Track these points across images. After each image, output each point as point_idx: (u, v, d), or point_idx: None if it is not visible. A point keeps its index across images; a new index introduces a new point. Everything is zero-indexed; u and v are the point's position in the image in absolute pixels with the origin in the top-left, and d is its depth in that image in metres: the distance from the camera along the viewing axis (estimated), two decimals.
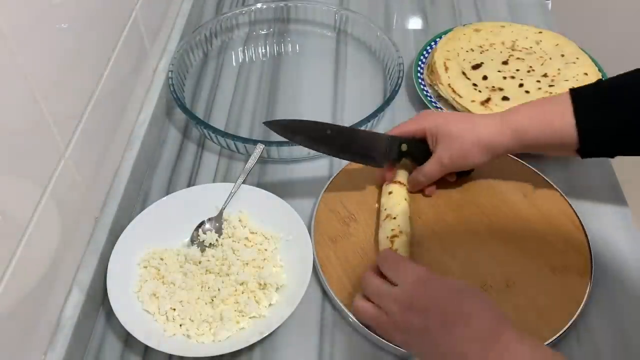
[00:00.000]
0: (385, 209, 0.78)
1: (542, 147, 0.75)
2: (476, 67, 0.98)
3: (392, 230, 0.74)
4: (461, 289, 0.60)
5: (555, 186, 0.83)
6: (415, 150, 0.80)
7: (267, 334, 0.67)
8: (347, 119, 0.94)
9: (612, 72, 1.02)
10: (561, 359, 0.54)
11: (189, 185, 0.86)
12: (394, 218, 0.76)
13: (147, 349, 0.68)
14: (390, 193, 0.79)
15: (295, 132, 0.77)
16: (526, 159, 0.86)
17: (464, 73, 0.96)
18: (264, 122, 0.79)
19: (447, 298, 0.59)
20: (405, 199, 0.79)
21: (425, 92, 0.96)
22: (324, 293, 0.73)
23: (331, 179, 0.84)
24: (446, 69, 0.97)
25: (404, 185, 0.80)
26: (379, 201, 0.81)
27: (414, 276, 0.62)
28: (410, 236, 0.75)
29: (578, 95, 0.72)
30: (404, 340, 0.62)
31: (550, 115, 0.72)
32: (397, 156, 0.80)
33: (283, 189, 0.84)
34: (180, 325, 0.69)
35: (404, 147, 0.79)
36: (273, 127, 0.79)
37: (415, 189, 0.81)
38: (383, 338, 0.66)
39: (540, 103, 0.75)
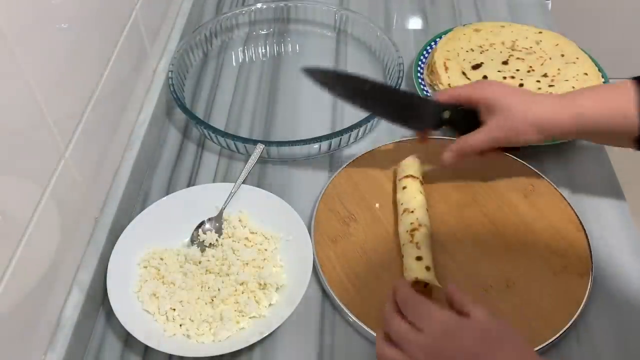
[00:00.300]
0: (402, 204, 0.78)
1: (599, 134, 0.74)
2: (476, 67, 0.98)
3: (412, 224, 0.75)
4: (490, 335, 0.57)
5: (555, 186, 0.83)
6: (458, 118, 0.78)
7: (267, 334, 0.67)
8: (347, 119, 0.94)
9: (612, 72, 1.02)
10: None
11: (189, 185, 0.86)
12: (412, 212, 0.76)
13: (147, 349, 0.68)
14: (404, 188, 0.80)
15: (334, 83, 0.77)
16: (526, 159, 0.86)
17: (464, 73, 0.96)
18: (303, 69, 0.80)
19: (474, 347, 0.56)
20: (421, 192, 0.79)
21: (425, 92, 0.96)
22: (324, 293, 0.73)
23: (331, 179, 0.84)
24: (446, 69, 0.97)
25: (417, 177, 0.81)
26: (380, 200, 0.81)
27: (439, 324, 0.58)
28: (430, 228, 0.76)
29: None
30: None
31: (614, 102, 0.71)
32: (438, 123, 0.78)
33: (283, 189, 0.84)
34: (180, 325, 0.69)
35: (446, 114, 0.78)
36: (312, 75, 0.79)
37: (456, 159, 0.78)
38: None
39: (604, 89, 0.75)
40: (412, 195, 0.78)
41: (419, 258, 0.71)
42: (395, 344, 0.59)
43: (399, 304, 0.61)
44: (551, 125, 0.73)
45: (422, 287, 0.71)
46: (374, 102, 0.78)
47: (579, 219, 0.79)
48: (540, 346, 0.67)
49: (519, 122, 0.73)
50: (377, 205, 0.82)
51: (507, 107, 0.73)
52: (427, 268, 0.70)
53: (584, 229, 0.78)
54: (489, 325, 0.57)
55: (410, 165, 0.82)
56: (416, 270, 0.70)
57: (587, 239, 0.77)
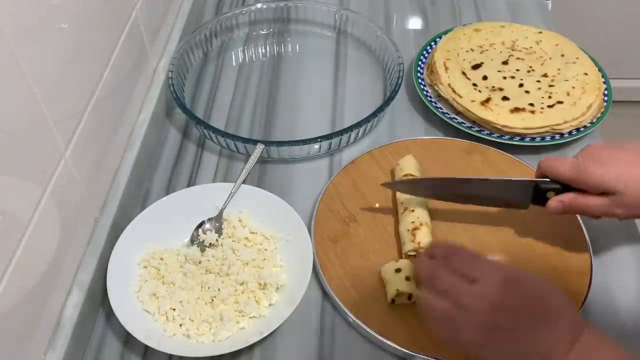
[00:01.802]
0: (402, 203, 0.78)
1: None
2: (476, 67, 0.98)
3: (412, 222, 0.75)
4: (545, 287, 0.57)
5: None
6: (564, 190, 0.69)
7: (267, 334, 0.67)
8: (347, 119, 0.94)
9: (612, 72, 1.02)
10: None
11: (189, 185, 0.86)
12: (412, 210, 0.76)
13: (147, 349, 0.68)
14: None
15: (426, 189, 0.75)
16: (526, 159, 0.86)
17: (464, 73, 0.96)
18: (384, 184, 0.78)
19: (535, 298, 0.56)
20: None
21: (425, 92, 0.96)
22: (324, 293, 0.73)
23: (331, 179, 0.84)
24: (446, 69, 0.97)
25: (414, 176, 0.81)
26: (380, 200, 0.82)
27: (500, 273, 0.57)
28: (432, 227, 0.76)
29: None
30: (475, 340, 0.56)
31: None
32: (543, 202, 0.71)
33: (283, 189, 0.84)
34: (180, 325, 0.69)
35: (550, 194, 0.70)
36: (394, 186, 0.78)
37: (563, 213, 0.70)
38: (440, 336, 0.59)
39: None
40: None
41: (398, 270, 0.71)
42: (445, 297, 0.57)
43: (443, 259, 0.60)
44: None
45: (406, 300, 0.70)
46: (471, 195, 0.74)
47: (579, 219, 0.79)
48: None
49: None
50: (377, 205, 0.82)
51: (622, 191, 0.65)
52: (407, 278, 0.70)
53: (584, 229, 0.78)
54: (544, 282, 0.57)
55: (408, 164, 0.82)
56: (396, 282, 0.70)
57: (587, 239, 0.77)
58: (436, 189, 0.76)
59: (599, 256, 0.76)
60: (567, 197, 0.68)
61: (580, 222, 0.78)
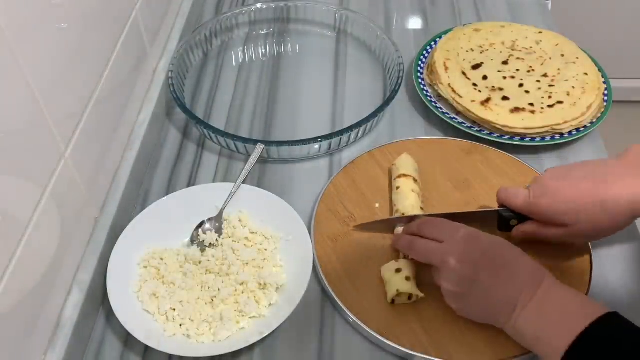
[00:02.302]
0: (395, 205, 0.79)
1: None
2: (476, 67, 0.98)
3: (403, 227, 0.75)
4: (503, 243, 0.66)
5: None
6: (525, 218, 0.73)
7: (267, 334, 0.67)
8: (347, 119, 0.94)
9: (612, 72, 1.02)
10: (597, 306, 0.58)
11: (189, 185, 0.86)
12: (403, 214, 0.76)
13: (147, 349, 0.68)
14: (398, 188, 0.80)
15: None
16: (526, 159, 0.86)
17: (464, 73, 0.96)
18: (355, 227, 0.78)
19: (494, 250, 0.65)
20: (413, 191, 0.79)
21: (425, 92, 0.96)
22: (324, 293, 0.73)
23: (331, 179, 0.84)
24: (446, 69, 0.97)
25: (409, 175, 0.81)
26: (380, 200, 0.82)
27: (461, 232, 0.66)
28: None
29: None
30: (450, 290, 0.65)
31: None
32: (509, 228, 0.74)
33: (283, 189, 0.84)
34: (180, 325, 0.69)
35: (513, 222, 0.73)
36: (367, 228, 0.78)
37: (525, 239, 0.73)
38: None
39: None
40: (405, 196, 0.78)
41: (398, 270, 0.71)
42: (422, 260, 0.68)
43: (418, 229, 0.70)
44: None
45: (406, 300, 0.71)
46: None
47: None
48: None
49: (604, 225, 0.67)
50: (377, 205, 0.82)
51: (574, 223, 0.68)
52: (407, 278, 0.70)
53: None
54: (504, 240, 0.67)
55: (403, 163, 0.82)
56: (396, 282, 0.70)
57: None
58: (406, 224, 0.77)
59: (599, 255, 0.76)
60: (528, 227, 0.72)
61: None
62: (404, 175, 0.80)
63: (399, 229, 0.76)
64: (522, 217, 0.72)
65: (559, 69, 0.97)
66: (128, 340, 0.69)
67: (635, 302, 0.72)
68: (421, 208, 0.78)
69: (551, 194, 0.68)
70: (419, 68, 1.00)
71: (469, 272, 0.63)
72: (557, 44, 1.02)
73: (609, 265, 0.76)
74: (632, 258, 0.77)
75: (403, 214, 0.76)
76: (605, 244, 0.77)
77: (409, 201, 0.78)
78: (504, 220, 0.74)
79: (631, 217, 0.66)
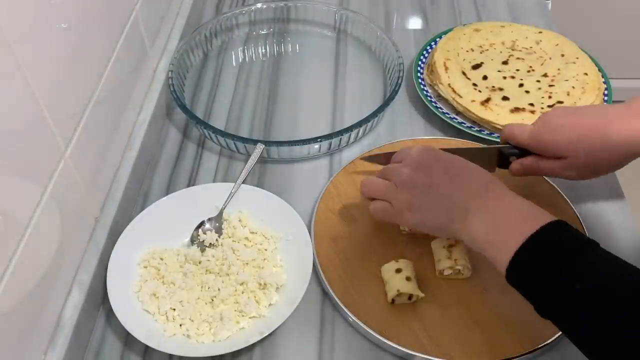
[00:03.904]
0: None
1: None
2: (476, 67, 0.98)
3: (448, 239, 0.74)
4: (458, 157, 0.69)
5: (555, 186, 0.83)
6: (525, 154, 0.76)
7: (267, 334, 0.67)
8: (347, 119, 0.94)
9: (612, 72, 1.02)
10: (547, 214, 0.60)
11: (189, 185, 0.86)
12: None
13: (147, 349, 0.68)
14: None
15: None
16: None
17: (464, 73, 0.96)
18: (363, 158, 0.84)
19: (449, 160, 0.68)
20: None
21: (425, 92, 0.96)
22: (324, 293, 0.73)
23: (331, 178, 0.84)
24: (446, 69, 0.97)
25: None
26: None
27: (417, 148, 0.69)
28: None
29: None
30: (405, 201, 0.67)
31: None
32: (507, 165, 0.78)
33: (283, 189, 0.84)
34: (180, 325, 0.69)
35: (512, 159, 0.77)
36: (372, 160, 0.82)
37: (523, 174, 0.77)
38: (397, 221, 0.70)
39: None
40: None
41: (398, 270, 0.71)
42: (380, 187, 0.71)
43: (381, 176, 0.72)
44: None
45: (406, 300, 0.71)
46: None
47: (580, 219, 0.79)
48: (540, 346, 0.67)
49: (603, 161, 0.71)
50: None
51: (573, 155, 0.72)
52: (407, 278, 0.70)
53: (584, 229, 0.78)
54: (457, 156, 0.69)
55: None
56: (397, 282, 0.70)
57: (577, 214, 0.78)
58: None
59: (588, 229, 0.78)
60: (527, 160, 0.76)
61: (581, 222, 0.78)
62: None
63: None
64: (521, 155, 0.76)
65: (559, 69, 0.97)
66: (128, 340, 0.69)
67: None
68: None
69: (557, 129, 0.72)
70: (419, 68, 1.00)
71: (424, 177, 0.66)
72: (557, 44, 1.02)
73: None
74: (632, 259, 0.77)
75: None
76: (605, 245, 0.77)
77: None
78: (504, 157, 0.77)
79: (631, 155, 0.70)
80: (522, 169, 0.76)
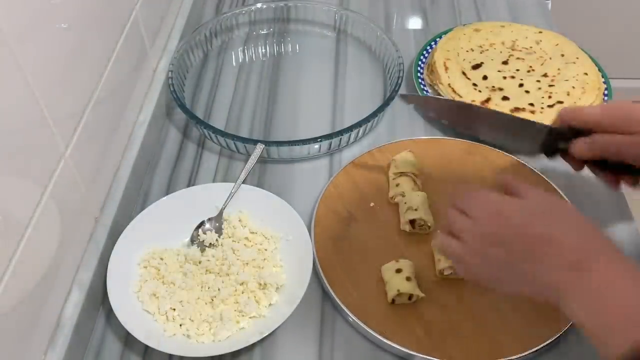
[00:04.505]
0: (405, 203, 0.78)
1: None
2: (476, 67, 0.98)
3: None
4: (542, 210, 0.56)
5: (555, 186, 0.83)
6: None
7: (267, 334, 0.67)
8: (347, 119, 0.94)
9: (612, 72, 1.02)
10: None
11: (189, 185, 0.86)
12: (416, 210, 0.76)
13: (147, 349, 0.68)
14: (397, 185, 0.81)
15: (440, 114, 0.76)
16: (526, 159, 0.86)
17: (464, 73, 0.96)
18: (400, 95, 0.82)
19: (525, 225, 0.55)
20: (413, 189, 0.80)
21: (425, 92, 0.96)
22: (324, 293, 0.73)
23: (331, 179, 0.84)
24: (446, 69, 0.97)
25: (410, 175, 0.81)
26: (380, 200, 0.82)
27: (487, 206, 0.58)
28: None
29: None
30: (490, 275, 0.58)
31: None
32: (552, 153, 0.70)
33: (283, 189, 0.84)
34: (180, 325, 0.69)
35: (562, 145, 0.68)
36: (413, 100, 0.79)
37: (591, 154, 0.66)
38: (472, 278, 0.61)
39: None
40: (408, 190, 0.79)
41: (398, 270, 0.71)
42: (457, 238, 0.59)
43: (460, 204, 0.61)
44: None
45: (406, 300, 0.71)
46: (485, 127, 0.74)
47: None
48: (540, 346, 0.67)
49: None
50: (377, 205, 0.82)
51: None
52: (408, 278, 0.70)
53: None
54: (542, 205, 0.57)
55: (403, 160, 0.82)
56: (397, 283, 0.70)
57: None
58: (452, 111, 0.77)
59: None
60: (598, 137, 0.64)
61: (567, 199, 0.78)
62: (401, 174, 0.81)
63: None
64: (573, 137, 0.67)
65: (559, 69, 0.97)
66: (128, 340, 0.69)
67: None
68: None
69: (628, 103, 0.64)
70: (419, 68, 1.00)
71: (496, 252, 0.56)
72: (557, 44, 1.02)
73: None
74: (633, 259, 0.77)
75: (416, 209, 0.77)
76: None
77: (419, 198, 0.78)
78: (551, 142, 0.68)
79: None
80: (587, 148, 0.65)
